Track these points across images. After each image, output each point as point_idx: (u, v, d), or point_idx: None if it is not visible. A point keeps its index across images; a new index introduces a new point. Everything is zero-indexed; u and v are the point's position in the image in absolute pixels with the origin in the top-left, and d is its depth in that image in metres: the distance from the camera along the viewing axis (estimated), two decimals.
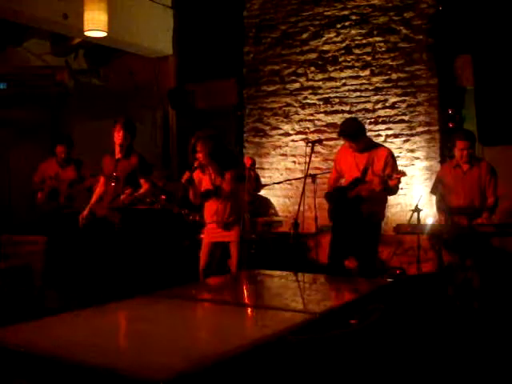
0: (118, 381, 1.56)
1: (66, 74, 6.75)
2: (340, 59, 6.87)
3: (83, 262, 5.24)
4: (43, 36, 7.12)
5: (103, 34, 5.51)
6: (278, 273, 3.51)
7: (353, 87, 6.80)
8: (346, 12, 6.85)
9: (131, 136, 4.98)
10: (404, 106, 6.53)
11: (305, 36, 7.10)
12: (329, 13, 6.95)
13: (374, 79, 6.68)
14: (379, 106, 6.66)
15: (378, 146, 4.96)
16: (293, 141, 7.16)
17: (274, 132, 7.32)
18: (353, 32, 6.80)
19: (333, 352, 2.00)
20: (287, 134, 7.22)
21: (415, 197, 5.85)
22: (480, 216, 4.56)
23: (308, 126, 7.08)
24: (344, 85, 6.86)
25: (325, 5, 6.97)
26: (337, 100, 6.90)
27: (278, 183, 6.57)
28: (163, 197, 5.48)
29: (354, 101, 6.80)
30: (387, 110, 6.61)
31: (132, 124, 5.02)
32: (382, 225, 4.93)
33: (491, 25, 5.79)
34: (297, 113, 7.16)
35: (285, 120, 7.23)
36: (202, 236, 4.66)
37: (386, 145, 6.42)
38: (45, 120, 6.49)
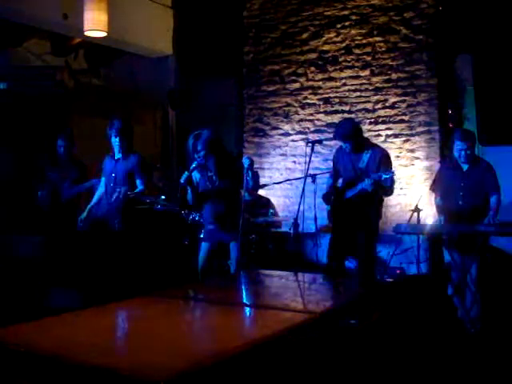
0: (118, 381, 1.56)
1: (66, 73, 6.74)
2: (340, 59, 6.87)
3: (83, 262, 5.24)
4: (43, 36, 7.11)
5: (103, 34, 5.52)
6: (277, 273, 3.51)
7: (353, 87, 6.81)
8: (346, 12, 6.85)
9: (127, 137, 4.97)
10: (404, 106, 6.53)
11: (305, 36, 7.10)
12: (329, 13, 6.95)
13: (374, 79, 6.68)
14: (379, 106, 6.66)
15: (375, 146, 4.97)
16: (293, 141, 7.16)
17: (273, 132, 7.32)
18: (353, 32, 6.80)
19: (333, 352, 2.00)
20: (287, 134, 7.22)
21: (415, 197, 5.85)
22: (483, 216, 4.54)
23: (308, 125, 7.08)
24: (344, 85, 6.86)
25: (325, 5, 6.97)
26: (337, 100, 6.90)
27: (277, 183, 6.57)
28: (163, 197, 5.48)
29: (354, 101, 6.80)
30: (387, 110, 6.61)
31: (128, 127, 5.00)
32: (380, 224, 4.94)
33: (491, 24, 5.79)
34: (297, 113, 7.16)
35: (285, 120, 7.23)
36: (201, 236, 4.66)
37: (386, 145, 6.45)
38: (45, 120, 6.48)
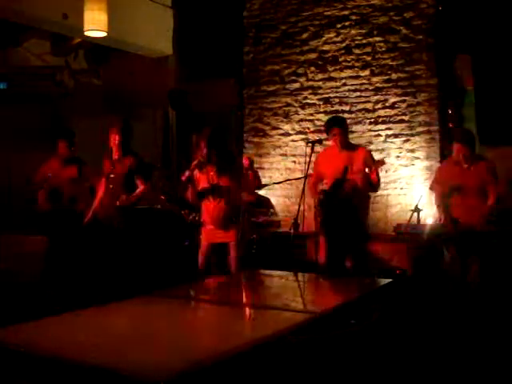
0: (118, 381, 1.56)
1: (66, 74, 6.74)
2: (340, 59, 6.88)
3: (83, 262, 5.24)
4: (43, 36, 7.11)
5: (103, 34, 5.51)
6: (278, 273, 3.51)
7: (353, 87, 6.81)
8: (346, 12, 6.85)
9: (128, 138, 4.97)
10: (404, 106, 6.53)
11: (305, 36, 7.10)
12: (329, 13, 6.95)
13: (374, 79, 6.68)
14: (379, 106, 6.66)
15: (357, 146, 5.07)
16: (293, 141, 7.16)
17: (273, 132, 7.32)
18: (353, 32, 6.80)
19: (333, 352, 2.00)
20: (287, 134, 7.22)
21: (415, 197, 5.85)
22: (480, 215, 4.55)
23: (308, 125, 7.08)
24: (344, 85, 6.86)
25: (325, 5, 6.98)
26: (337, 100, 6.90)
27: (277, 183, 6.57)
28: (163, 197, 5.47)
29: (354, 101, 6.80)
30: (387, 110, 6.61)
31: (128, 126, 5.01)
32: (367, 222, 4.99)
33: (491, 25, 5.79)
34: (297, 113, 7.16)
35: (285, 120, 7.23)
36: (200, 236, 4.65)
37: (386, 145, 6.46)
38: (45, 120, 6.48)
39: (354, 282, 3.60)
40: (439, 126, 6.34)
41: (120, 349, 1.93)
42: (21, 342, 1.86)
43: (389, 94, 6.60)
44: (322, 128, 6.92)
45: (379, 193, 6.51)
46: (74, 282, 5.01)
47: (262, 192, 6.59)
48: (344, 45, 6.85)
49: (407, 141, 6.49)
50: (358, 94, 6.77)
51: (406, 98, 6.51)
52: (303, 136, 7.04)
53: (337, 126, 4.89)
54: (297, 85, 7.15)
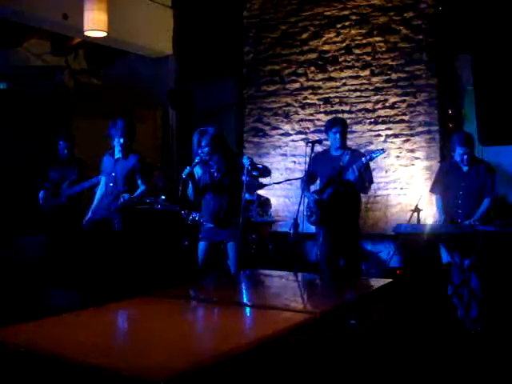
0: (118, 381, 1.56)
1: (66, 74, 6.75)
2: (340, 59, 6.87)
3: (84, 262, 5.24)
4: (43, 36, 7.12)
5: (103, 34, 5.52)
6: (277, 273, 3.52)
7: (353, 87, 6.80)
8: (346, 12, 6.85)
9: (130, 138, 4.98)
10: (404, 105, 6.53)
11: (305, 36, 7.10)
12: (329, 13, 6.95)
13: (374, 79, 6.68)
14: (379, 105, 6.66)
15: (353, 149, 5.25)
16: (293, 141, 7.16)
17: (273, 132, 7.32)
18: (353, 32, 6.80)
19: (333, 352, 2.00)
20: (287, 134, 7.22)
21: (415, 197, 5.85)
22: (474, 216, 4.59)
23: (308, 126, 7.08)
24: (344, 85, 6.86)
25: (325, 5, 6.97)
26: (337, 100, 6.90)
27: (277, 183, 6.56)
28: (163, 197, 5.47)
29: (354, 101, 6.80)
30: (387, 110, 6.61)
31: (132, 126, 5.02)
32: (360, 223, 5.06)
33: (491, 25, 5.79)
34: (297, 113, 7.16)
35: (285, 120, 7.23)
36: (200, 236, 4.66)
37: (386, 145, 6.46)
38: (45, 120, 6.48)
39: (353, 281, 3.60)
40: (439, 126, 6.33)
41: (120, 349, 1.94)
42: (21, 342, 1.86)
43: (389, 94, 6.60)
44: (322, 128, 6.95)
45: (379, 193, 6.53)
46: (75, 281, 5.01)
47: (261, 192, 6.59)
48: (344, 45, 6.85)
49: (407, 141, 6.49)
50: (358, 93, 6.77)
51: (406, 98, 6.51)
52: (303, 136, 7.04)
53: (334, 123, 4.96)
54: (297, 85, 7.15)
